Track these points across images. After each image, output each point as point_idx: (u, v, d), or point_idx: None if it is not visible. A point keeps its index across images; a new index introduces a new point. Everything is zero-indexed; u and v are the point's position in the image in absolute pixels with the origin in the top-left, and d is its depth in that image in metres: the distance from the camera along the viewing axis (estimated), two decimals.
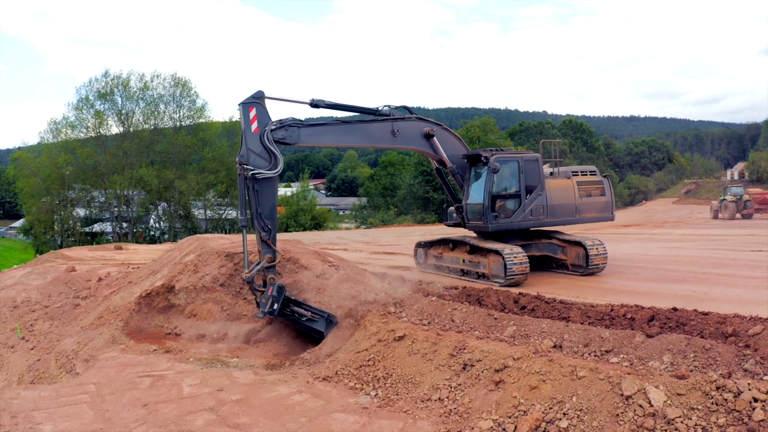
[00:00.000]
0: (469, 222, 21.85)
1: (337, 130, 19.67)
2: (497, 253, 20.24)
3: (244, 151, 17.51)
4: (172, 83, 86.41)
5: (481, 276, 21.43)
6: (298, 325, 18.08)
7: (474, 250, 21.96)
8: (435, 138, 20.93)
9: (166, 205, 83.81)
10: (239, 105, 17.98)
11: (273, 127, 17.91)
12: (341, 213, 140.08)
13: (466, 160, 21.79)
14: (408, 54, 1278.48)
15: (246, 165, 17.30)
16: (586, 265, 21.24)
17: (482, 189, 21.08)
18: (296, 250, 22.07)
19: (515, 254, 19.93)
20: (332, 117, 20.58)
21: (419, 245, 25.98)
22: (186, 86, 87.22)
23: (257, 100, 17.97)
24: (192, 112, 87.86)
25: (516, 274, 19.82)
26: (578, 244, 21.48)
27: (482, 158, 21.01)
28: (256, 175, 17.31)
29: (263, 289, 17.59)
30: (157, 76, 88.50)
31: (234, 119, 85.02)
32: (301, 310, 17.76)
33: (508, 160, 21.36)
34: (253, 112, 17.80)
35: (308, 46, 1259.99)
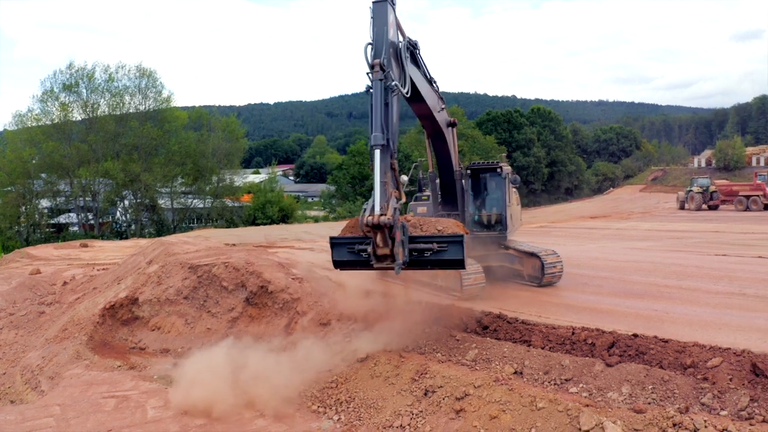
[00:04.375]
0: (474, 232, 21.08)
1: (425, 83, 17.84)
2: None
3: (384, 55, 14.70)
4: (138, 74, 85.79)
5: (439, 289, 21.13)
6: (424, 266, 15.16)
7: None
8: (454, 130, 20.61)
9: (132, 197, 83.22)
10: (372, 4, 15.20)
11: (412, 48, 16.34)
12: (310, 200, 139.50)
13: (468, 171, 21.42)
14: None
15: (386, 70, 14.64)
16: (542, 277, 21.26)
17: (500, 199, 21.23)
18: (259, 262, 21.99)
19: (471, 269, 19.64)
20: None
21: None
22: (151, 77, 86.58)
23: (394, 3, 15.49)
24: (158, 103, 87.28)
25: (472, 287, 19.65)
26: (534, 255, 21.45)
27: (497, 169, 21.17)
28: (394, 87, 14.78)
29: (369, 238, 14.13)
30: (122, 67, 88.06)
31: (198, 106, 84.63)
32: (423, 245, 14.48)
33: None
34: (391, 16, 15.31)
35: (278, 29, 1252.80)
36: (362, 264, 14.58)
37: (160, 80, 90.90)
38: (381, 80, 14.38)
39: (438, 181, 21.71)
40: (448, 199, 21.41)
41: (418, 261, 14.40)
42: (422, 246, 14.19)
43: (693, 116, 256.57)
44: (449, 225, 14.95)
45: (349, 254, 14.70)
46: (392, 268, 14.00)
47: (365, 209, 13.71)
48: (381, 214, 13.41)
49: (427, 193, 22.77)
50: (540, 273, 21.30)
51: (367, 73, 14.59)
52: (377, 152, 14.05)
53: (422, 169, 23.91)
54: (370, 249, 13.86)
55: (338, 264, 15.17)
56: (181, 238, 41.18)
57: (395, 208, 13.82)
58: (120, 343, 20.66)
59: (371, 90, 14.48)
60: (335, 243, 14.88)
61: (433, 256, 14.28)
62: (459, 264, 14.60)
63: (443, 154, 20.64)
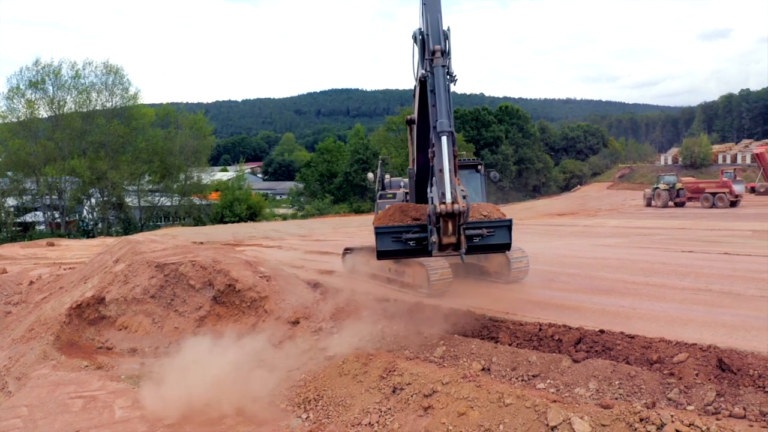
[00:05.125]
0: None
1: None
2: (420, 263, 20.02)
3: (442, 41, 14.28)
4: (105, 71, 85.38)
5: (406, 285, 21.16)
6: (471, 252, 14.52)
7: (398, 259, 21.31)
8: None
9: (99, 195, 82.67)
10: None
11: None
12: (278, 198, 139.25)
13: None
14: (348, 35, 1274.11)
15: (447, 56, 14.25)
16: (509, 273, 21.25)
17: (479, 196, 21.22)
18: (227, 261, 21.87)
19: (438, 265, 19.73)
20: None
21: (347, 251, 25.78)
22: (118, 73, 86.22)
23: None
24: (125, 100, 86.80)
25: (439, 284, 19.64)
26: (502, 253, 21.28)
27: (477, 166, 21.41)
28: (453, 74, 14.44)
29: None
30: (89, 64, 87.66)
31: (165, 103, 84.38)
32: (474, 231, 14.22)
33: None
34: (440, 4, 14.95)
35: (247, 26, 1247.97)
36: (409, 253, 14.71)
37: (127, 77, 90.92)
38: (444, 66, 14.09)
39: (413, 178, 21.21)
40: (420, 197, 21.20)
41: (468, 247, 14.23)
42: (474, 232, 14.09)
43: (660, 114, 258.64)
44: (492, 210, 15.04)
45: (395, 243, 14.61)
46: (455, 256, 14.11)
47: (432, 197, 13.53)
48: (453, 202, 13.18)
49: (392, 191, 22.65)
50: (506, 270, 21.31)
51: (428, 59, 14.24)
52: (444, 139, 13.73)
53: (383, 167, 23.75)
54: (434, 238, 13.60)
55: (383, 254, 15.02)
56: (148, 236, 41.01)
57: (464, 196, 13.57)
58: (87, 342, 20.46)
59: (426, 78, 14.25)
60: (381, 232, 14.67)
61: (481, 241, 14.25)
62: (506, 247, 14.72)
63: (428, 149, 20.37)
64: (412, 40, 15.47)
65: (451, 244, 13.62)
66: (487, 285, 21.21)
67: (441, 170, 13.47)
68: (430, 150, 14.05)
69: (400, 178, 23.33)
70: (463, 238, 13.48)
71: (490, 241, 14.33)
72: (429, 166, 20.28)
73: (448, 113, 13.78)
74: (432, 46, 14.05)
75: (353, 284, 21.94)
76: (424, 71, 14.33)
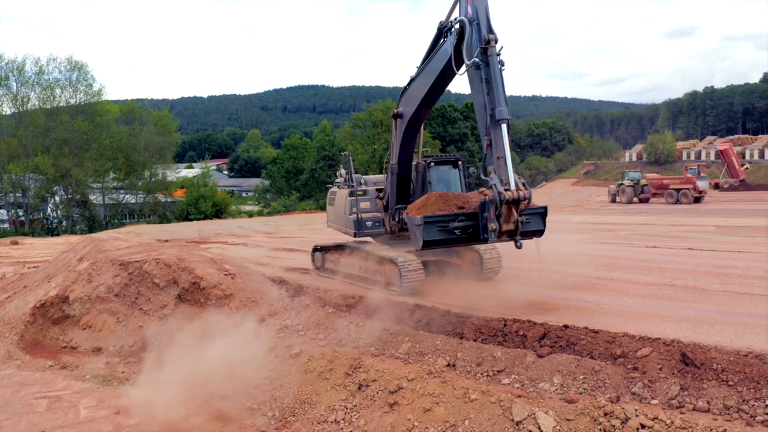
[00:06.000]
0: None
1: None
2: (392, 261, 19.96)
3: (491, 27, 14.68)
4: (69, 67, 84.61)
5: (378, 284, 21.04)
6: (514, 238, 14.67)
7: (369, 257, 21.55)
8: None
9: (63, 192, 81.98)
10: None
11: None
12: (244, 195, 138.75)
13: (432, 164, 21.31)
14: (316, 32, 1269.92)
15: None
16: (481, 270, 21.19)
17: (461, 191, 20.96)
18: (191, 258, 21.74)
19: (410, 262, 19.64)
20: None
21: (316, 249, 25.45)
22: (83, 69, 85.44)
23: None
24: (89, 97, 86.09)
25: (412, 282, 19.55)
26: (472, 250, 21.24)
27: (458, 162, 21.64)
28: (502, 62, 14.67)
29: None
30: (54, 59, 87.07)
31: (130, 99, 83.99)
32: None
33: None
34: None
35: (214, 21, 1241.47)
36: (456, 242, 15.33)
37: (91, 73, 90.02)
38: (498, 54, 14.46)
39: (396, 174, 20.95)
40: (401, 193, 21.20)
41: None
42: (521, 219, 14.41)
43: (625, 111, 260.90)
44: None
45: (441, 233, 14.95)
46: (512, 241, 14.49)
47: (494, 185, 13.75)
48: (517, 189, 13.66)
49: (363, 188, 22.41)
50: (479, 267, 21.26)
51: (483, 48, 14.51)
52: (504, 126, 14.09)
53: (343, 163, 23.49)
54: (494, 225, 13.90)
55: (429, 244, 15.35)
56: (113, 234, 40.60)
57: (524, 183, 14.06)
58: (51, 342, 20.26)
59: (479, 67, 14.48)
60: (428, 222, 14.98)
61: (522, 227, 14.48)
62: (539, 233, 15.38)
63: (412, 145, 20.47)
64: (437, 31, 16.52)
65: (508, 231, 14.10)
66: (459, 282, 21.20)
67: (500, 157, 13.90)
68: (485, 138, 14.29)
69: (359, 175, 23.22)
70: (520, 224, 14.04)
71: (528, 228, 14.88)
72: (411, 161, 20.35)
73: (506, 101, 14.16)
74: (486, 35, 14.43)
75: (320, 282, 21.90)
76: (476, 60, 14.55)
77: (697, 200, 64.88)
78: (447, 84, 17.68)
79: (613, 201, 71.69)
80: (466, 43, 15.04)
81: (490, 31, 14.60)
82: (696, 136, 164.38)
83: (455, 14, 16.11)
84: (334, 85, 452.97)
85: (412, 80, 18.87)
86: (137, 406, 14.52)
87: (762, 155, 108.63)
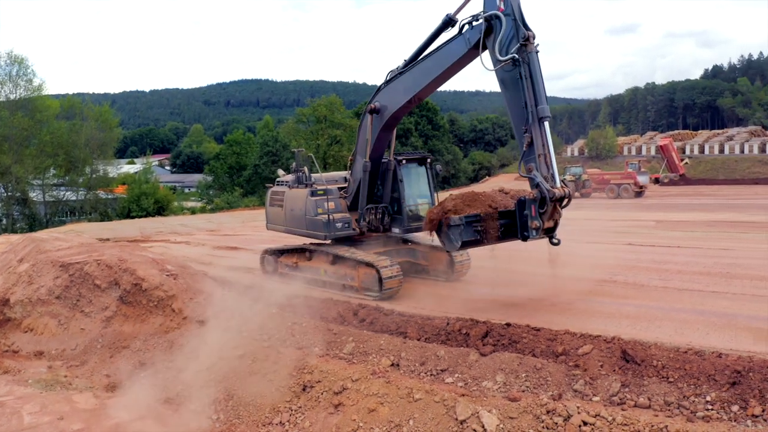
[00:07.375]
0: (408, 225, 20.38)
1: None
2: (369, 264, 19.27)
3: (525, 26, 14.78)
4: (9, 61, 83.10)
5: (348, 288, 20.30)
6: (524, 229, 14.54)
7: (338, 260, 20.81)
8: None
9: (2, 190, 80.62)
10: None
11: None
12: (187, 191, 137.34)
13: (404, 161, 20.84)
14: (260, 25, 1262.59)
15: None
16: (452, 272, 21.02)
17: (429, 191, 21.36)
18: (133, 259, 21.54)
19: (389, 266, 19.11)
20: None
21: (268, 252, 24.32)
22: (23, 64, 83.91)
23: None
24: (29, 92, 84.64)
25: (391, 288, 19.06)
26: (440, 249, 20.06)
27: (427, 159, 21.44)
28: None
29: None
30: None
31: (71, 94, 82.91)
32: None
33: None
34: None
35: (157, 13, 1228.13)
36: (490, 241, 15.19)
37: (32, 68, 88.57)
38: (537, 52, 14.60)
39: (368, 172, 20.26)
40: (372, 192, 20.80)
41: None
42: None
43: (567, 107, 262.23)
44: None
45: (477, 233, 15.02)
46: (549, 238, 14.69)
47: (539, 183, 13.81)
48: (562, 187, 13.97)
49: (322, 187, 21.25)
50: (450, 268, 21.13)
51: (523, 43, 14.55)
52: (546, 124, 14.42)
53: (299, 161, 22.74)
54: (536, 223, 13.95)
55: (466, 244, 15.39)
56: (53, 234, 40.07)
57: (562, 180, 14.23)
58: None
59: (516, 63, 14.56)
60: (468, 222, 14.95)
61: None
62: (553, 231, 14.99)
63: (384, 143, 20.19)
64: (442, 23, 16.66)
65: (546, 228, 14.29)
66: (423, 283, 21.27)
67: (543, 155, 14.09)
68: (526, 135, 14.36)
69: (318, 174, 22.19)
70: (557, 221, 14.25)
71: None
72: (381, 159, 20.00)
73: (546, 98, 14.43)
74: (525, 32, 14.49)
75: (264, 282, 21.80)
76: (515, 56, 14.59)
77: (637, 195, 65.73)
78: (447, 80, 17.78)
79: None
80: (499, 38, 15.02)
81: (528, 27, 14.72)
82: (637, 132, 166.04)
83: (466, 9, 16.48)
84: (278, 80, 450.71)
85: (398, 74, 18.49)
86: (80, 411, 14.41)
87: (702, 150, 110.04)
